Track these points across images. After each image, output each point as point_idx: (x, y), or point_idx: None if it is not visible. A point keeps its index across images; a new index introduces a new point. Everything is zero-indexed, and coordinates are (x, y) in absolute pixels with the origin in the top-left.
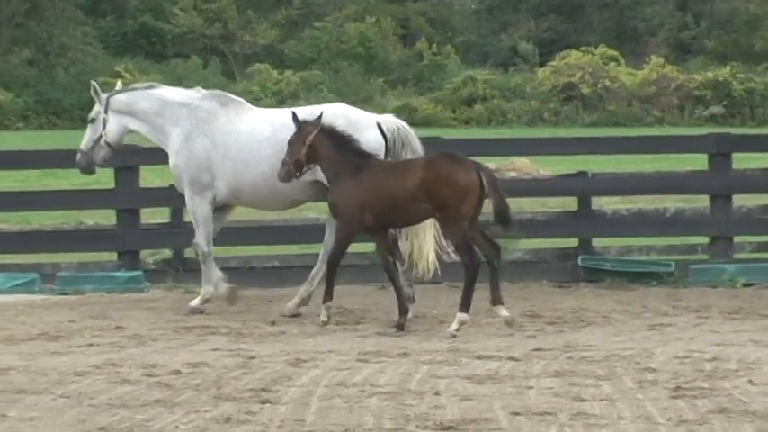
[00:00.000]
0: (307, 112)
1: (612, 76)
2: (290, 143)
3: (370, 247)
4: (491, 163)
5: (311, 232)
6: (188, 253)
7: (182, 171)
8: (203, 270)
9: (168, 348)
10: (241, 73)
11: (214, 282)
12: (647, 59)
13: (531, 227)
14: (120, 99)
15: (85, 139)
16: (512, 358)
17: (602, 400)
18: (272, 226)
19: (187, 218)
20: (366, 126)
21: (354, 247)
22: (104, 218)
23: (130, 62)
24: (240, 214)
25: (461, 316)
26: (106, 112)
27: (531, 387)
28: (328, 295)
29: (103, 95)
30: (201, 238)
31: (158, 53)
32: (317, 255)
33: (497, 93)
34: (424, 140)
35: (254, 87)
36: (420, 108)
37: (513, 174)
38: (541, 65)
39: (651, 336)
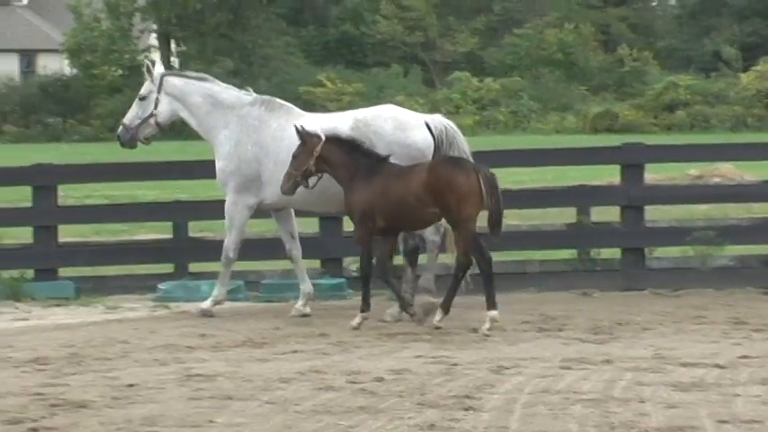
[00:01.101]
0: (360, 114)
1: None
2: (296, 156)
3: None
4: (694, 169)
5: (510, 239)
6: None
7: (228, 176)
8: (221, 274)
9: (371, 355)
10: (441, 81)
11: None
12: None
13: (736, 233)
14: (174, 84)
15: (131, 114)
16: (717, 366)
17: None
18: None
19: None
20: (414, 126)
21: (556, 255)
22: (307, 226)
23: (332, 71)
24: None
25: (491, 314)
26: (159, 91)
27: (738, 395)
28: (366, 304)
29: (158, 73)
30: (232, 243)
31: (359, 62)
32: (521, 261)
33: (699, 98)
34: (626, 146)
35: (454, 95)
36: (621, 114)
37: (717, 179)
38: (745, 69)
39: None
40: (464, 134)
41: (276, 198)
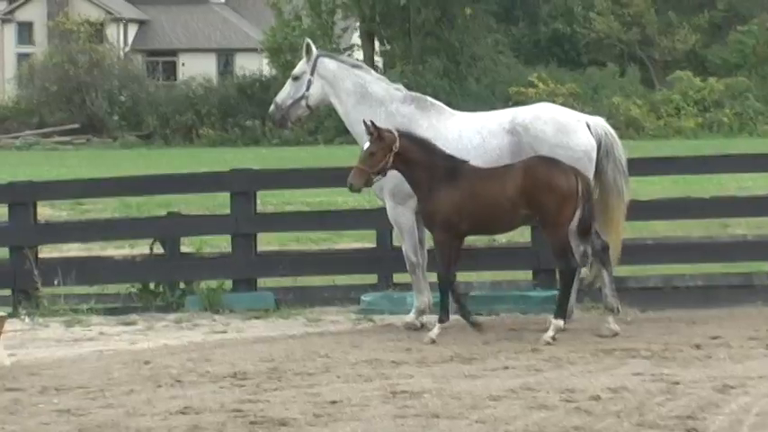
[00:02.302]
0: (518, 117)
1: None
2: (373, 152)
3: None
4: None
5: (738, 249)
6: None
7: (384, 180)
8: (413, 281)
9: (587, 372)
10: (660, 80)
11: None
12: None
13: None
14: (328, 66)
15: (283, 94)
16: None
17: None
18: (697, 243)
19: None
20: (576, 128)
21: None
22: (517, 235)
23: (543, 70)
24: (661, 231)
25: (557, 322)
26: (312, 73)
27: None
28: (446, 314)
29: (314, 54)
30: (409, 247)
31: (572, 60)
32: (748, 274)
33: None
34: None
35: (674, 96)
36: None
37: None
38: None
39: None
40: (686, 137)
41: None
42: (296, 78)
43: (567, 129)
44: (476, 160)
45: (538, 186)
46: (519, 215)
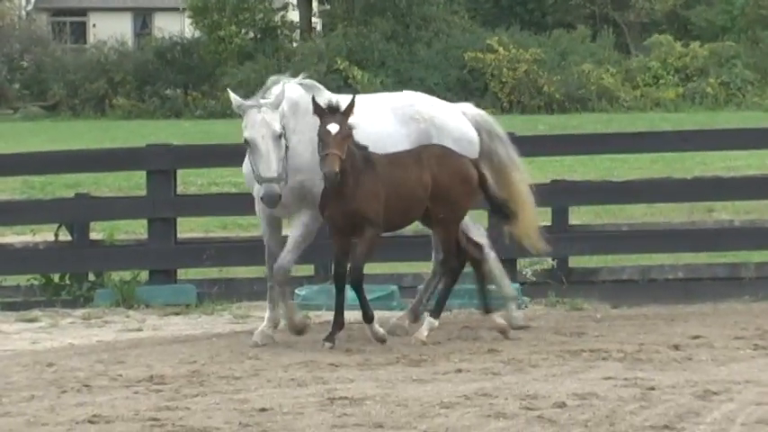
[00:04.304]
0: (406, 100)
1: None
2: (339, 133)
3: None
4: None
5: (724, 237)
6: (574, 261)
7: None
8: (276, 295)
9: (551, 376)
10: (637, 45)
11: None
12: None
13: None
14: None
15: None
16: None
17: None
18: (678, 230)
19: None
20: (463, 118)
21: None
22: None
23: (504, 33)
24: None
25: (431, 321)
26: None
27: None
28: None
29: None
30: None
31: (537, 22)
32: (735, 265)
33: None
34: None
35: (652, 63)
36: None
37: None
38: None
39: None
40: (666, 109)
41: None
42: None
43: (461, 119)
44: (382, 150)
45: (451, 177)
46: (424, 206)
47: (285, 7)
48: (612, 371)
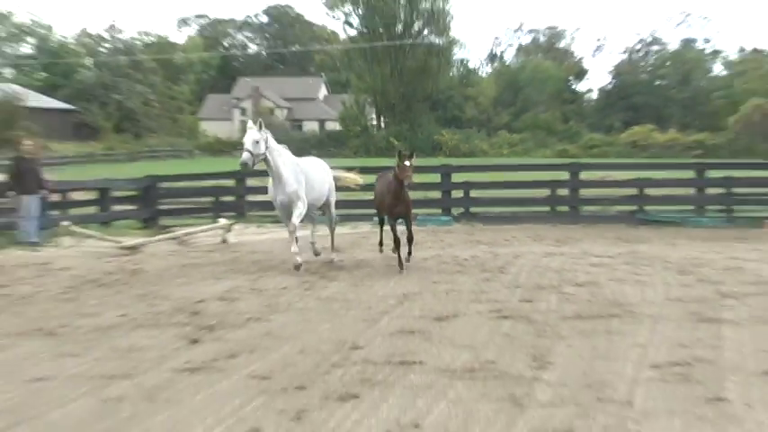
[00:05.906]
0: (317, 160)
1: None
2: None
3: None
4: None
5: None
6: (472, 210)
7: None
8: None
9: (459, 249)
10: None
11: None
12: None
13: None
14: (270, 141)
15: (252, 148)
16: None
17: None
18: (515, 198)
19: None
20: (325, 166)
21: None
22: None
23: None
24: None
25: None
26: (267, 141)
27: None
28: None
29: (264, 129)
30: None
31: None
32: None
33: None
34: None
35: None
36: None
37: None
38: None
39: None
40: None
41: None
42: (257, 141)
43: (322, 164)
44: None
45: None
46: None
47: None
48: (484, 248)
